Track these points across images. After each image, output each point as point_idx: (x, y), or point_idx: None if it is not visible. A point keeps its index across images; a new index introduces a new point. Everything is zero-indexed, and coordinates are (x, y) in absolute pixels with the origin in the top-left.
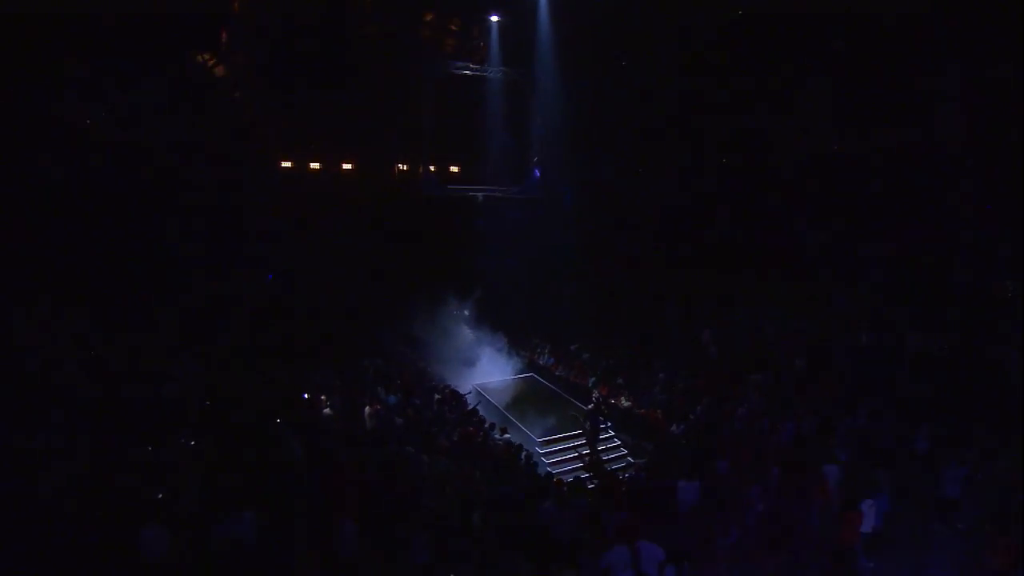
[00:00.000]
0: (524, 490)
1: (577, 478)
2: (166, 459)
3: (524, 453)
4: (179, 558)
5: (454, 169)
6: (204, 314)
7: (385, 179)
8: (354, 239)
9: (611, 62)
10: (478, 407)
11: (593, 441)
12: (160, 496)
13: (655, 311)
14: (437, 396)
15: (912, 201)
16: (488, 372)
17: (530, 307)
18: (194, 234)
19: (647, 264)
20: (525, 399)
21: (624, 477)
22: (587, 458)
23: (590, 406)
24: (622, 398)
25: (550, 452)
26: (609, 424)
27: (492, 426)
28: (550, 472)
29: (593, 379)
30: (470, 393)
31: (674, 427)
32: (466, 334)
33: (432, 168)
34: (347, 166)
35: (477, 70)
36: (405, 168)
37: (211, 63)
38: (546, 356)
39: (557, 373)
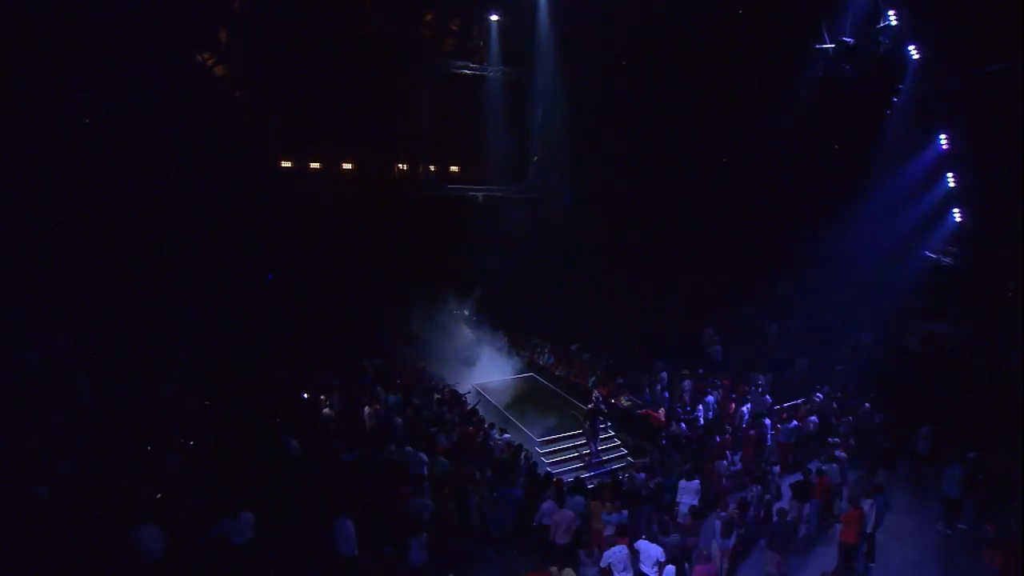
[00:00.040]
0: (524, 490)
1: (577, 478)
2: (165, 459)
3: (524, 453)
4: (177, 558)
5: (454, 169)
6: (203, 314)
7: (385, 179)
8: (354, 239)
9: (611, 61)
10: (478, 407)
11: (593, 440)
12: (158, 496)
13: (655, 311)
14: (437, 396)
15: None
16: (488, 372)
17: (530, 307)
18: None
19: (647, 263)
20: (525, 399)
21: (624, 477)
22: (588, 458)
23: (590, 406)
24: (622, 398)
25: (550, 452)
26: (609, 424)
27: (492, 426)
28: (550, 472)
29: (593, 379)
30: (469, 393)
31: (674, 427)
32: (466, 334)
33: (432, 168)
34: (347, 166)
35: (477, 69)
36: (405, 168)
37: (211, 63)
38: (546, 356)
39: (557, 373)
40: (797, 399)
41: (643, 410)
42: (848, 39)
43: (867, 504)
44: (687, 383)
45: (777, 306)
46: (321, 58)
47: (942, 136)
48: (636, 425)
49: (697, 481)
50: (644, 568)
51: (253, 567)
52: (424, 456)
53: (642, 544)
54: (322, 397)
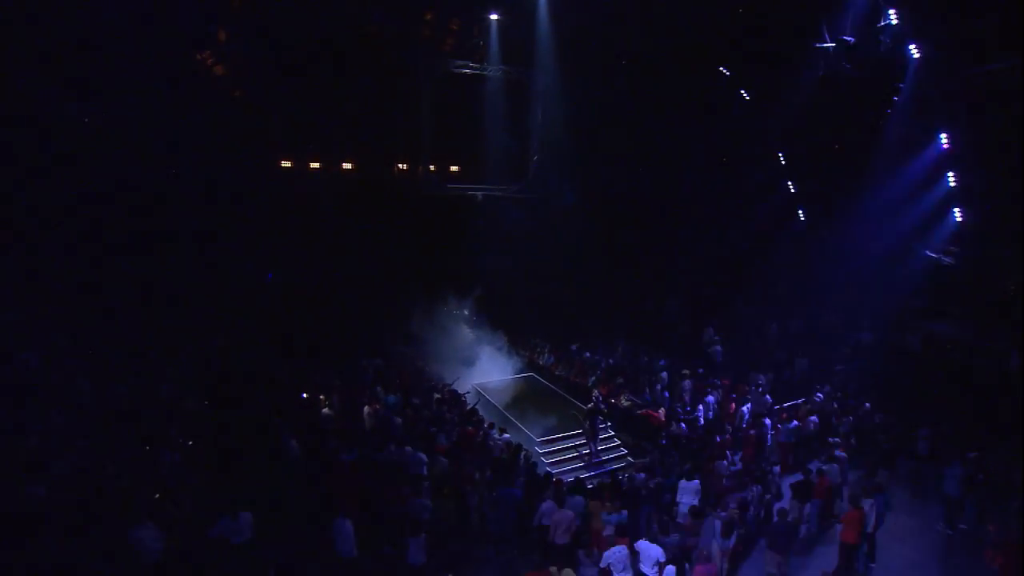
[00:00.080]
0: (523, 490)
1: (577, 478)
2: (164, 459)
3: (523, 453)
4: (176, 558)
5: (454, 168)
6: (203, 314)
7: (385, 179)
8: (354, 238)
9: (611, 61)
10: (477, 406)
11: (593, 440)
12: (157, 496)
13: (656, 311)
14: (436, 396)
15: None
16: (488, 372)
17: (530, 306)
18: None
19: (647, 263)
20: (525, 399)
21: (623, 476)
22: (588, 457)
23: (589, 405)
24: (622, 398)
25: (550, 452)
26: (609, 424)
27: (492, 426)
28: (549, 472)
29: (593, 379)
30: (469, 392)
31: (674, 427)
32: (465, 333)
33: (432, 167)
34: (347, 166)
35: (477, 69)
36: (405, 167)
37: (210, 62)
38: (546, 356)
39: (557, 373)
40: (797, 399)
41: (643, 410)
42: (848, 38)
43: (867, 504)
44: (687, 383)
45: (777, 305)
46: (321, 57)
47: (943, 135)
48: (636, 425)
49: (697, 481)
50: (644, 568)
51: (252, 567)
52: (423, 456)
53: (642, 544)
54: (322, 397)
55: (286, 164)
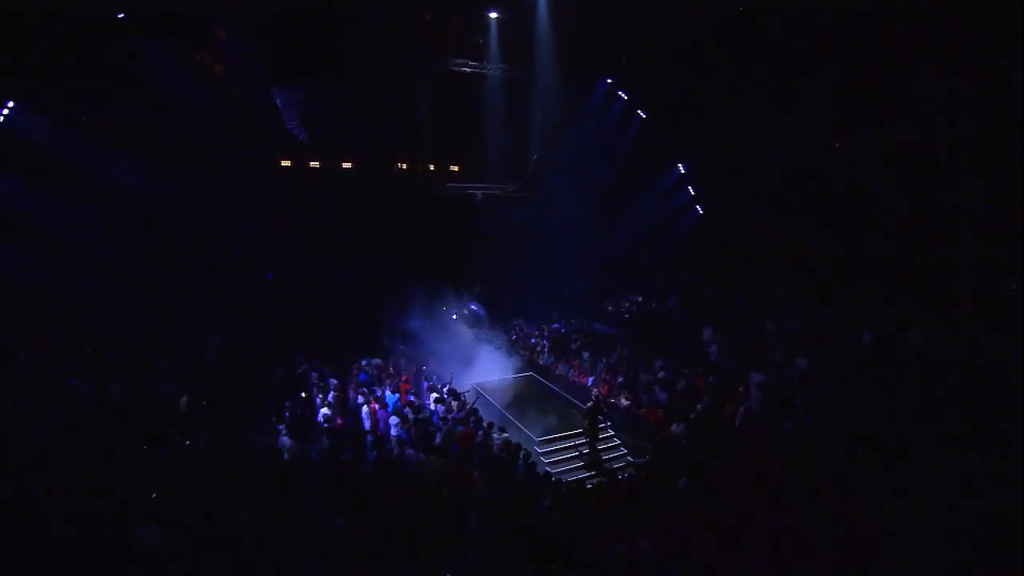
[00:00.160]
0: (522, 490)
1: (577, 478)
2: (162, 458)
3: (523, 453)
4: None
5: (454, 168)
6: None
7: (385, 178)
8: (353, 238)
9: (611, 59)
10: (476, 406)
11: (592, 440)
12: (154, 495)
13: (655, 309)
14: (435, 395)
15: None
16: (487, 371)
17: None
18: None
19: (647, 263)
20: (524, 398)
21: (623, 477)
22: (587, 457)
23: (589, 404)
24: (622, 397)
25: (549, 452)
26: (608, 423)
27: (491, 425)
28: (549, 472)
29: (592, 378)
30: (468, 391)
31: (674, 427)
32: (465, 333)
33: (431, 166)
34: (347, 165)
35: (476, 67)
36: (404, 167)
37: (210, 61)
38: (546, 355)
39: (557, 372)
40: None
41: (643, 409)
42: None
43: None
44: (687, 382)
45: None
46: (320, 56)
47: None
48: (636, 425)
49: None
50: None
51: (251, 567)
52: (422, 455)
53: None
54: (320, 396)
55: (286, 164)
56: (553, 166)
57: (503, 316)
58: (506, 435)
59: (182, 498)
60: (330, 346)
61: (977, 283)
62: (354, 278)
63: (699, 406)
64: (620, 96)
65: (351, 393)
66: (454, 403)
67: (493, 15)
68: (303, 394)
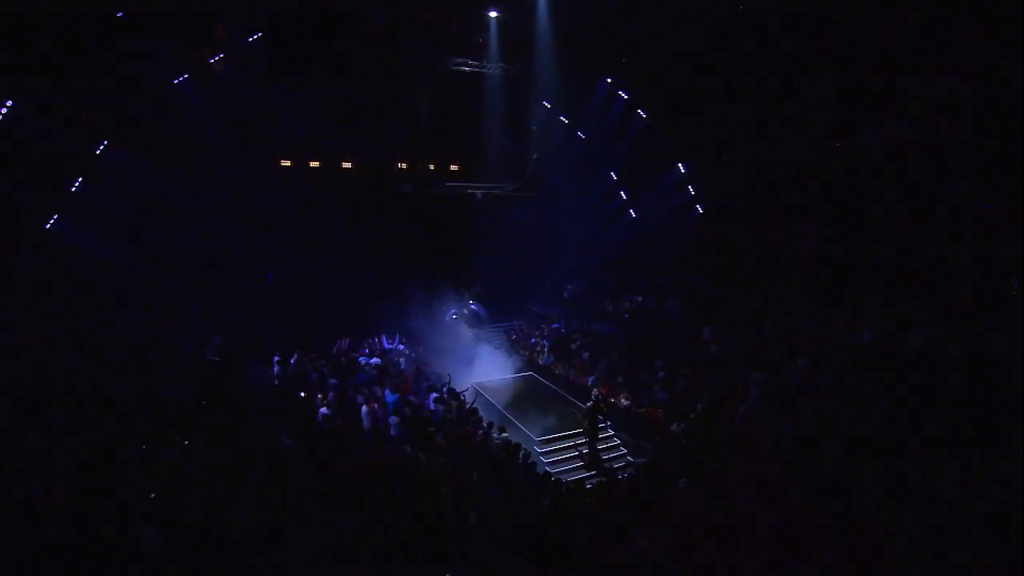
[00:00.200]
0: (522, 490)
1: (577, 478)
2: (161, 459)
3: (523, 452)
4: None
5: (454, 167)
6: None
7: (385, 177)
8: (353, 237)
9: (611, 59)
10: (476, 405)
11: (592, 439)
12: (153, 496)
13: (656, 309)
14: (435, 395)
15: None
16: (487, 370)
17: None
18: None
19: (647, 262)
20: (524, 398)
21: (623, 476)
22: (587, 457)
23: (588, 404)
24: (622, 397)
25: (549, 452)
26: (608, 423)
27: (490, 425)
28: (549, 472)
29: (592, 378)
30: (467, 390)
31: (674, 427)
32: (464, 332)
33: (431, 166)
34: (346, 164)
35: (476, 66)
36: (404, 166)
37: (209, 60)
38: (546, 355)
39: (556, 372)
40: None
41: (643, 409)
42: None
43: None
44: (687, 382)
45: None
46: (320, 56)
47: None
48: (636, 424)
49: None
50: None
51: (251, 567)
52: (421, 455)
53: None
54: (319, 396)
55: (285, 163)
56: (553, 165)
57: (503, 316)
58: (506, 435)
59: (182, 498)
60: (329, 345)
61: (977, 283)
62: (354, 278)
63: (699, 406)
64: (620, 96)
65: (351, 393)
66: (453, 403)
67: (493, 14)
68: (302, 394)
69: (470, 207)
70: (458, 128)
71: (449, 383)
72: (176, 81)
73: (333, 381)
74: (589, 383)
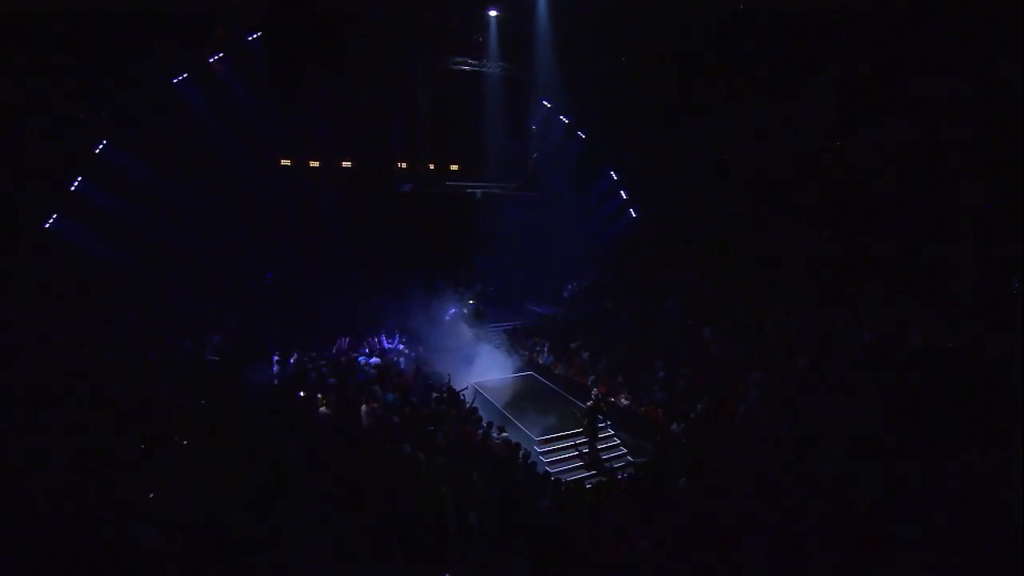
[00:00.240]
0: (522, 489)
1: (576, 477)
2: (160, 459)
3: (522, 452)
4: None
5: (454, 167)
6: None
7: (384, 176)
8: (353, 236)
9: (611, 58)
10: (475, 405)
11: (592, 439)
12: (152, 496)
13: (655, 308)
14: (435, 394)
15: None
16: (487, 370)
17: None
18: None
19: (647, 262)
20: (524, 398)
21: (623, 476)
22: (587, 456)
23: (588, 403)
24: (622, 396)
25: (549, 451)
26: (608, 423)
27: (490, 425)
28: (548, 471)
29: (592, 377)
30: (466, 389)
31: (674, 426)
32: (464, 331)
33: (431, 165)
34: (346, 164)
35: (476, 66)
36: (404, 166)
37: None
38: (545, 354)
39: (556, 371)
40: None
41: (643, 408)
42: None
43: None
44: (687, 381)
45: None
46: (320, 56)
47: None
48: (636, 424)
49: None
50: None
51: (250, 567)
52: (421, 455)
53: None
54: (319, 395)
55: (285, 163)
56: (553, 165)
57: (503, 316)
58: (506, 435)
59: (181, 498)
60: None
61: (977, 283)
62: (354, 277)
63: (699, 406)
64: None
65: (350, 393)
66: (453, 403)
67: (493, 13)
68: (302, 394)
69: (470, 206)
70: (458, 127)
71: (449, 382)
72: (176, 81)
73: (332, 381)
74: (589, 383)
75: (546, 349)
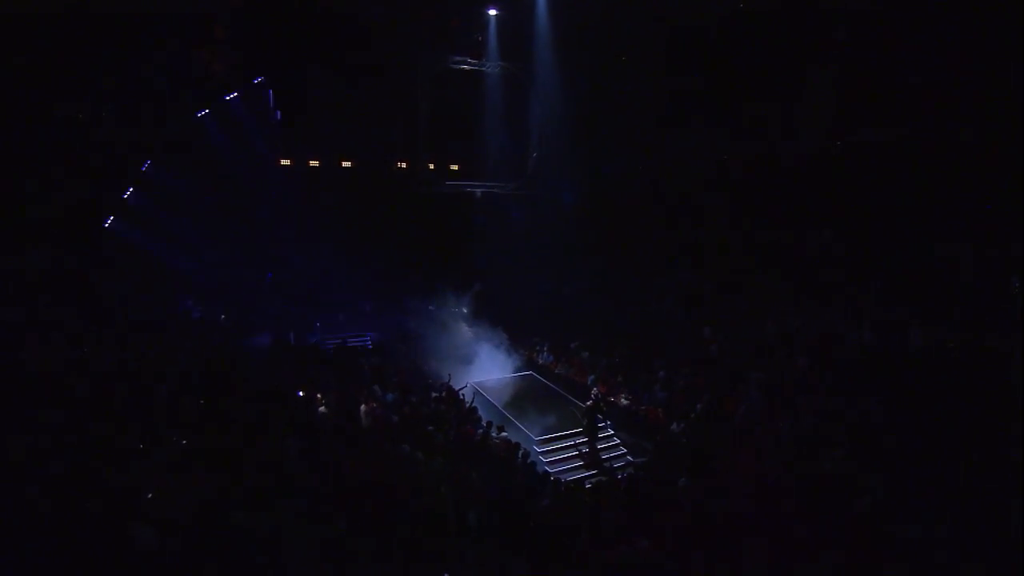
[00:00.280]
0: (522, 489)
1: (576, 477)
2: (159, 459)
3: (522, 452)
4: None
5: (454, 166)
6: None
7: (384, 176)
8: (353, 236)
9: (610, 57)
10: (475, 405)
11: (592, 439)
12: (150, 496)
13: (655, 308)
14: (435, 394)
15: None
16: (486, 370)
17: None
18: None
19: (647, 260)
20: (524, 397)
21: (623, 476)
22: (587, 456)
23: (588, 403)
24: (621, 396)
25: (548, 451)
26: (608, 423)
27: (490, 425)
28: (548, 471)
29: (592, 377)
30: (465, 387)
31: (674, 425)
32: (464, 331)
33: (431, 165)
34: (346, 164)
35: (476, 65)
36: (404, 165)
37: (207, 59)
38: (545, 354)
39: (556, 371)
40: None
41: (643, 408)
42: None
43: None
44: (687, 381)
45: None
46: (319, 55)
47: None
48: (636, 423)
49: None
50: None
51: (250, 567)
52: (420, 455)
53: None
54: (318, 395)
55: (285, 162)
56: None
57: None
58: (505, 434)
59: (180, 498)
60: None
61: (977, 283)
62: (353, 277)
63: (699, 405)
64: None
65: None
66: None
67: (492, 13)
68: (301, 393)
69: (470, 206)
70: (458, 127)
71: (448, 382)
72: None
73: (333, 380)
74: (589, 382)
75: (546, 349)
